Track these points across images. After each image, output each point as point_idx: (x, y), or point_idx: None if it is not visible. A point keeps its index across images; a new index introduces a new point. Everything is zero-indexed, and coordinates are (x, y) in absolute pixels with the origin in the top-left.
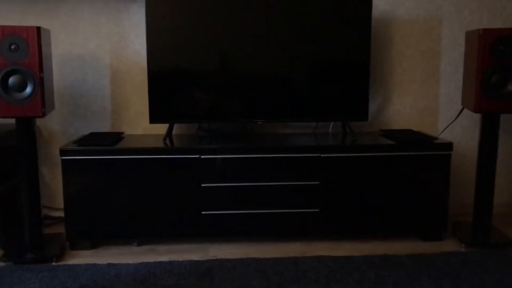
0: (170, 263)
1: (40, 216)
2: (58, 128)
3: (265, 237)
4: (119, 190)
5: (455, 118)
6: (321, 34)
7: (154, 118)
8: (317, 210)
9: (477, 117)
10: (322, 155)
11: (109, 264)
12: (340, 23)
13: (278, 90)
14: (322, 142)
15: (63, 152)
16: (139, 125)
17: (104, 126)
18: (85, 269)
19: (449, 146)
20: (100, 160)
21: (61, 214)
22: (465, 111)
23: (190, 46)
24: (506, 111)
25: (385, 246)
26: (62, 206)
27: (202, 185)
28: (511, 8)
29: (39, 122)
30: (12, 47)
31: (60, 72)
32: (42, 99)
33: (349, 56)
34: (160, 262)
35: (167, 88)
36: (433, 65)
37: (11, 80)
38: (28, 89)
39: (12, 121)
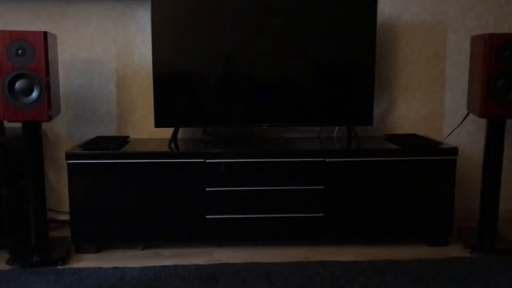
0: (175, 267)
1: (46, 219)
2: (64, 132)
3: (269, 242)
4: (124, 194)
5: (460, 123)
6: (326, 38)
7: (160, 122)
8: (321, 214)
9: (482, 121)
10: (326, 160)
11: (114, 268)
12: (345, 28)
13: (283, 94)
14: (327, 147)
15: (69, 155)
16: (145, 129)
17: (110, 130)
18: (90, 272)
19: (454, 151)
20: (106, 164)
21: (66, 217)
22: (471, 115)
23: (195, 51)
24: None
25: (390, 251)
26: (67, 209)
27: (207, 189)
28: None
29: (45, 126)
30: (19, 51)
31: (66, 77)
32: (49, 103)
33: (354, 61)
34: (165, 266)
35: (173, 92)
36: (439, 70)
37: (18, 84)
38: (35, 94)
39: (19, 125)
